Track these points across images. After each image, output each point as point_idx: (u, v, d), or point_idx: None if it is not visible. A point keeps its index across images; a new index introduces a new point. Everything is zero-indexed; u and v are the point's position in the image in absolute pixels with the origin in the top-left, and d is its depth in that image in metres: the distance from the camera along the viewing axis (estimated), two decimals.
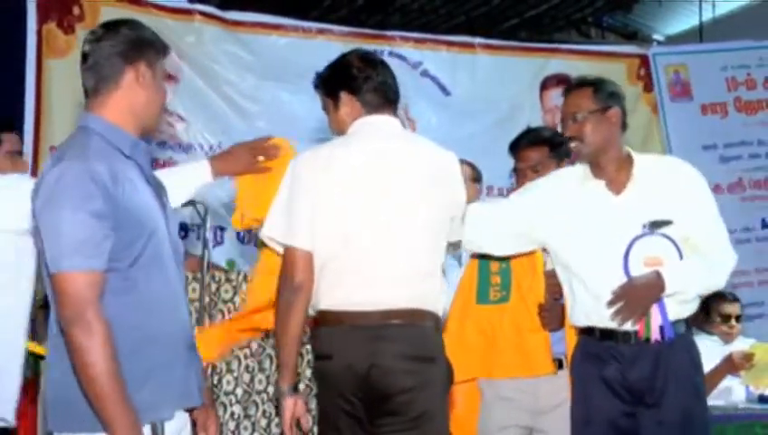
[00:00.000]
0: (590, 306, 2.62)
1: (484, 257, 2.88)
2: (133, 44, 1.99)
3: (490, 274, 2.90)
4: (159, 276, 1.96)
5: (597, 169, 2.66)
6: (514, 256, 2.84)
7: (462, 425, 2.90)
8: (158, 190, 2.06)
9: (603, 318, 2.58)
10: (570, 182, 2.71)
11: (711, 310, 3.98)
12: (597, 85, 2.68)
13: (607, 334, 2.60)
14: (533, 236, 2.74)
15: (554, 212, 2.67)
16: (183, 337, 2.01)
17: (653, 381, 2.58)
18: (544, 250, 2.83)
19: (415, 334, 2.31)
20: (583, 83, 2.72)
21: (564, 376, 2.82)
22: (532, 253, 2.83)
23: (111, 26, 2.03)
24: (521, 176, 3.03)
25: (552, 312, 2.81)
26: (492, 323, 2.87)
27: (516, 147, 3.08)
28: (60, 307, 1.81)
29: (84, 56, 2.01)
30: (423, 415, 2.27)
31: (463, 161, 3.19)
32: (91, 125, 1.96)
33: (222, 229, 4.82)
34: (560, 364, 2.87)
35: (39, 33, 4.44)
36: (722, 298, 3.96)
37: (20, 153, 3.14)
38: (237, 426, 3.33)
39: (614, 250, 2.56)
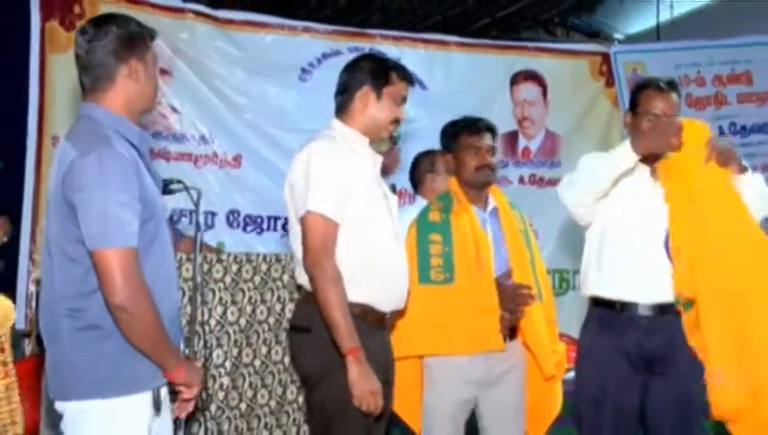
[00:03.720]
0: (619, 278, 2.70)
1: (420, 237, 2.89)
2: (124, 43, 2.04)
3: (429, 255, 2.85)
4: (163, 258, 2.07)
5: (651, 159, 2.71)
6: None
7: (405, 402, 2.85)
8: (156, 178, 2.14)
9: (629, 291, 2.69)
10: None
11: None
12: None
13: (628, 307, 2.69)
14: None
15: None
16: (176, 315, 2.14)
17: (665, 350, 2.66)
18: None
19: (295, 307, 2.66)
20: (675, 84, 2.81)
21: (515, 345, 2.88)
22: (476, 236, 2.88)
23: (102, 24, 2.06)
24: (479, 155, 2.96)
25: (505, 323, 2.83)
26: (437, 303, 2.80)
27: (478, 128, 3.01)
28: (113, 284, 1.90)
29: (78, 56, 2.06)
30: (308, 380, 2.48)
31: (441, 153, 3.25)
32: (95, 114, 2.03)
33: (213, 214, 4.92)
34: (510, 335, 2.87)
35: (42, 30, 4.53)
36: None
37: None
38: (226, 396, 3.34)
39: (653, 228, 2.69)
